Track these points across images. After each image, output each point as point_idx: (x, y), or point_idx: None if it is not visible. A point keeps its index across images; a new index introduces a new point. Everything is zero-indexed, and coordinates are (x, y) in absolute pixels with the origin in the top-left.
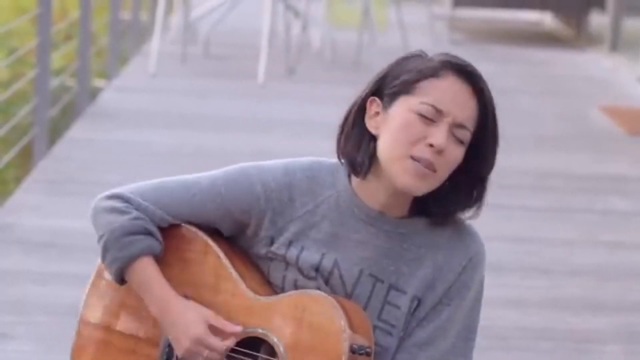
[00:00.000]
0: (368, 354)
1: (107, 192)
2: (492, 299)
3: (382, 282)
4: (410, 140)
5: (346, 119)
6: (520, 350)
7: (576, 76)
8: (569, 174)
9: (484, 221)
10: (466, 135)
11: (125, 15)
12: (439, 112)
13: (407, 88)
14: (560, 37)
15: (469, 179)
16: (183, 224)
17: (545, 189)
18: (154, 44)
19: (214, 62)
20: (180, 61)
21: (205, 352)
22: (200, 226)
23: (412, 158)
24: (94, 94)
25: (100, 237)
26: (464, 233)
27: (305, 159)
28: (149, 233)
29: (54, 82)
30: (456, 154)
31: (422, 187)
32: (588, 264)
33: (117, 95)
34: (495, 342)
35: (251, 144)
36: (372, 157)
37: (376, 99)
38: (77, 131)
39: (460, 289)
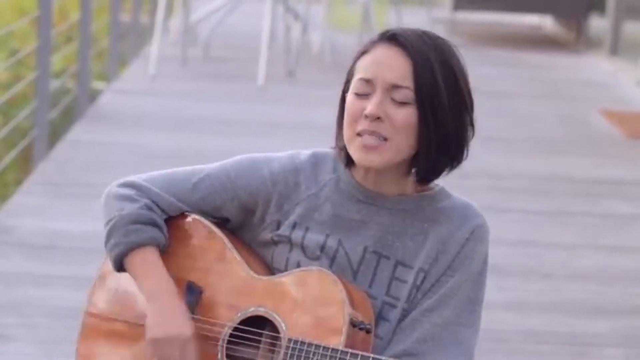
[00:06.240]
0: (368, 331)
1: (121, 180)
2: (493, 302)
3: (388, 258)
4: (352, 120)
5: (338, 116)
6: (521, 353)
7: (576, 80)
8: (569, 177)
9: None
10: (407, 94)
11: (125, 17)
12: (368, 82)
13: (351, 74)
14: (561, 40)
15: (439, 138)
16: (188, 213)
17: (545, 192)
18: (154, 46)
19: (214, 64)
20: (180, 64)
21: (177, 353)
22: (205, 215)
23: (358, 135)
24: (93, 96)
25: (108, 222)
26: (466, 208)
27: (308, 150)
28: (156, 225)
29: (54, 84)
30: (403, 116)
31: (376, 159)
32: (588, 267)
33: (117, 97)
34: (496, 344)
35: (251, 146)
36: None
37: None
38: (77, 133)
39: (463, 260)
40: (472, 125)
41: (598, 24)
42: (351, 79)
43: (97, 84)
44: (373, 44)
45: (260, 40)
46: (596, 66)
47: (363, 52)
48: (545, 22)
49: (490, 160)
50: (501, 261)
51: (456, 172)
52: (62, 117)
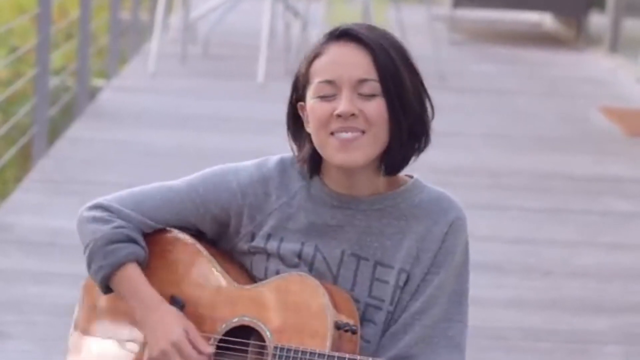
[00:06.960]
0: (354, 332)
1: (90, 203)
2: (492, 299)
3: (367, 259)
4: (323, 123)
5: (289, 129)
6: (520, 350)
7: (576, 77)
8: (569, 174)
9: (484, 222)
10: (374, 87)
11: (125, 15)
12: (331, 83)
13: (306, 80)
14: (560, 37)
15: (408, 124)
16: (166, 228)
17: (545, 190)
18: (154, 43)
19: (214, 62)
20: (179, 61)
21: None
22: (182, 229)
23: (331, 135)
24: (93, 93)
25: (86, 247)
26: (441, 201)
27: (275, 156)
28: (132, 240)
29: (54, 82)
30: (373, 108)
31: (356, 155)
32: (588, 265)
33: (117, 95)
34: (495, 342)
35: (250, 144)
36: (316, 153)
37: (302, 103)
38: (77, 131)
39: (445, 256)
40: (431, 105)
41: (598, 21)
42: (306, 85)
43: (97, 82)
44: (323, 45)
45: (260, 38)
46: (596, 63)
47: (315, 56)
48: (545, 20)
49: (490, 158)
50: (501, 259)
51: (456, 169)
52: (62, 115)
